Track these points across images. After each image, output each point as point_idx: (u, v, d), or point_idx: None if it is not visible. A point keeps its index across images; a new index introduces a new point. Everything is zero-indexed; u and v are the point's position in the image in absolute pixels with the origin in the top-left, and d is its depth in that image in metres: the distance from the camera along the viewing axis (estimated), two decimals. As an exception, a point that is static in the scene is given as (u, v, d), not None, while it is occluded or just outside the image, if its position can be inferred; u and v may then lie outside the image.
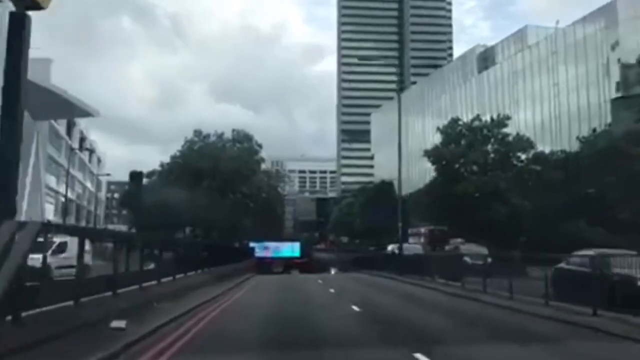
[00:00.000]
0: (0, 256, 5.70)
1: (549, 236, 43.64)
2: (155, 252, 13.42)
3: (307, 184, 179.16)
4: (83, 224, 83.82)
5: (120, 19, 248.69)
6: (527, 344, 9.04)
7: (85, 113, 64.68)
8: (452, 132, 57.02)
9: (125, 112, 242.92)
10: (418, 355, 7.54)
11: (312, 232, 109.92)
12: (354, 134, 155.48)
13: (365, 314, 12.86)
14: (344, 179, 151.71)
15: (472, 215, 48.48)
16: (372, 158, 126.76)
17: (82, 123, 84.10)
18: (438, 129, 59.30)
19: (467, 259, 19.38)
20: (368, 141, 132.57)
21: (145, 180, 68.85)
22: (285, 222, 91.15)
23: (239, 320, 11.75)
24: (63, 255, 12.60)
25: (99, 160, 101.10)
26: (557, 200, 47.47)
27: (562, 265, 13.60)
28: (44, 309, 7.20)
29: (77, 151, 73.19)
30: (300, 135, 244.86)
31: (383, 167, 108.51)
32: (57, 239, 12.01)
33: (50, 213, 63.21)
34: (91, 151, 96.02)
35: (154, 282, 12.18)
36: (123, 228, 62.12)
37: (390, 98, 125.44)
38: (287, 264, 61.45)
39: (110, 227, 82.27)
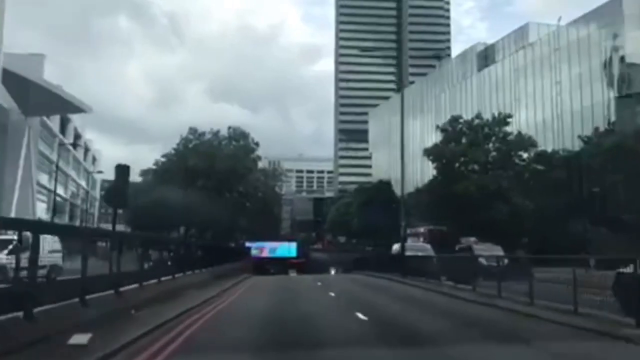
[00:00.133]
0: None
1: (551, 236, 42.81)
2: (140, 252, 12.01)
3: (305, 184, 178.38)
4: (77, 222, 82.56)
5: (117, 18, 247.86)
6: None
7: (78, 109, 63.77)
8: (453, 130, 55.96)
9: (124, 111, 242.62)
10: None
11: (309, 232, 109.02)
12: (351, 133, 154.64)
13: (373, 324, 11.26)
14: (341, 178, 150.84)
15: (473, 215, 47.57)
16: (369, 158, 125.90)
17: (76, 121, 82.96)
18: (438, 127, 58.31)
19: (482, 260, 17.85)
20: (366, 141, 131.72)
21: (140, 179, 67.67)
22: (282, 222, 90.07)
23: (225, 335, 9.98)
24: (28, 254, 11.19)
25: (94, 159, 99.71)
26: (560, 200, 46.63)
27: (627, 269, 10.94)
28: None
29: (70, 147, 71.66)
30: (297, 135, 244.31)
31: (381, 167, 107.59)
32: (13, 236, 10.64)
33: (42, 211, 61.98)
34: (86, 149, 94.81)
35: (134, 286, 10.81)
36: (120, 228, 60.92)
37: (388, 98, 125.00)
38: (284, 264, 60.44)
39: (104, 226, 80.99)
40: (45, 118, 65.55)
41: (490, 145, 54.74)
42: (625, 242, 35.50)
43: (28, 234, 7.06)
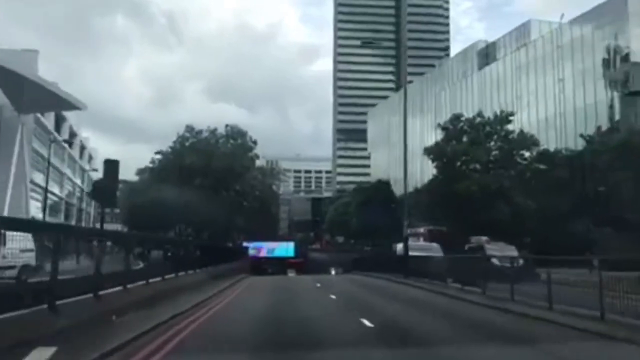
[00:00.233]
0: None
1: (554, 237, 42.00)
2: (125, 252, 10.98)
3: (302, 184, 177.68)
4: (73, 222, 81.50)
5: (116, 16, 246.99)
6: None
7: (73, 107, 62.75)
8: (454, 128, 55.13)
9: (122, 110, 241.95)
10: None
11: (307, 232, 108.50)
12: (349, 133, 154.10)
13: (381, 331, 10.20)
14: (340, 178, 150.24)
15: (474, 215, 46.78)
16: (368, 158, 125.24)
17: (72, 120, 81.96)
18: (439, 125, 57.48)
19: (495, 260, 16.75)
20: (364, 140, 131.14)
21: (136, 178, 66.74)
22: (280, 222, 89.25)
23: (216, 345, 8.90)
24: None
25: (91, 157, 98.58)
26: (563, 200, 45.83)
27: None
28: None
29: (66, 146, 70.56)
30: (295, 135, 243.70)
31: (380, 167, 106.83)
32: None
33: (37, 210, 60.90)
34: (82, 147, 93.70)
35: (118, 289, 9.72)
36: (116, 227, 59.97)
37: (386, 97, 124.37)
38: (282, 264, 59.66)
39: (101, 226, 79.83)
40: (40, 116, 64.58)
41: (492, 143, 53.93)
42: (629, 242, 34.82)
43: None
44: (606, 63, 57.55)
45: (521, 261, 16.57)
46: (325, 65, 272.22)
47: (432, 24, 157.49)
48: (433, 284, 20.42)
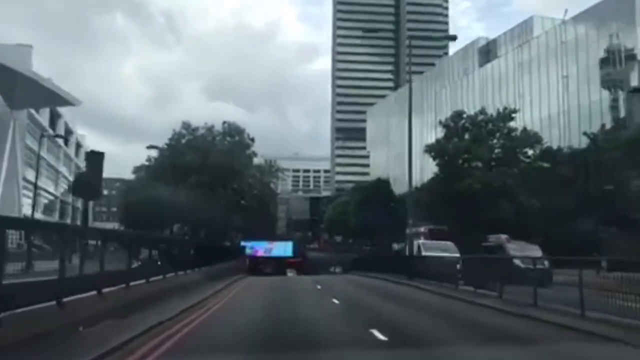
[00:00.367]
0: None
1: (560, 236, 40.93)
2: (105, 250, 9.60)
3: (301, 183, 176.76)
4: (68, 221, 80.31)
5: (114, 15, 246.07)
6: None
7: (67, 102, 61.60)
8: (455, 125, 54.01)
9: (121, 109, 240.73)
10: None
11: (305, 231, 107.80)
12: (348, 132, 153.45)
13: (393, 344, 8.74)
14: (338, 177, 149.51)
15: (476, 214, 45.69)
16: (367, 157, 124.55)
17: (67, 117, 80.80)
18: (440, 122, 56.36)
19: (518, 262, 15.32)
20: (362, 139, 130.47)
21: (133, 177, 65.65)
22: (278, 222, 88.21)
23: None
24: None
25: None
26: (568, 199, 44.77)
27: None
28: None
29: (57, 139, 69.08)
30: (294, 134, 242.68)
31: (379, 165, 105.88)
32: None
33: (30, 208, 59.68)
34: (77, 145, 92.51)
35: (91, 293, 8.38)
36: (113, 226, 58.86)
37: (385, 96, 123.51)
38: (280, 264, 58.62)
39: (99, 225, 78.70)
40: (34, 112, 63.44)
41: (495, 141, 52.86)
42: (636, 243, 33.91)
43: None
44: (611, 60, 56.33)
45: (546, 263, 15.18)
46: (323, 64, 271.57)
47: (432, 22, 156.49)
48: (442, 287, 19.03)
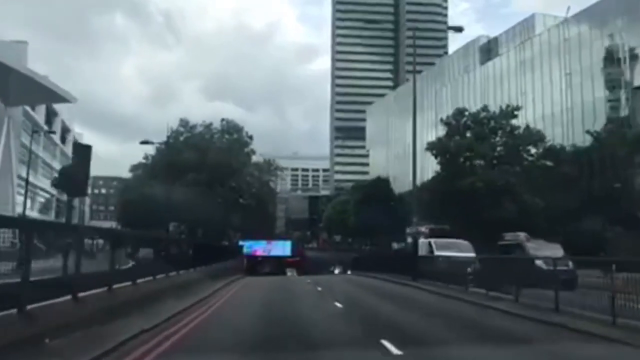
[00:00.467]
0: None
1: (565, 235, 40.14)
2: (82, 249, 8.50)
3: (300, 182, 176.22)
4: (64, 219, 79.39)
5: (114, 15, 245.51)
6: None
7: (63, 99, 60.60)
8: (457, 123, 53.20)
9: (120, 108, 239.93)
10: None
11: (304, 230, 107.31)
12: (347, 131, 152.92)
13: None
14: (337, 176, 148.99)
15: (479, 213, 44.91)
16: (366, 156, 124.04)
17: (64, 115, 79.89)
18: (442, 120, 55.53)
19: (540, 262, 14.25)
20: (362, 138, 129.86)
21: (130, 175, 64.90)
22: (277, 221, 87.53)
23: None
24: None
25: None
26: (572, 197, 43.97)
27: None
28: None
29: (50, 134, 68.08)
30: (293, 133, 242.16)
31: (379, 164, 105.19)
32: None
33: (27, 207, 58.74)
34: (75, 143, 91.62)
35: (65, 298, 7.34)
36: (110, 224, 58.06)
37: (384, 95, 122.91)
38: (278, 264, 57.92)
39: (96, 224, 77.78)
40: (30, 110, 62.51)
41: (497, 139, 52.05)
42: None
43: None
44: (615, 57, 55.49)
45: (570, 264, 14.19)
46: (323, 63, 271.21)
47: (431, 22, 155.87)
48: (450, 289, 17.98)
